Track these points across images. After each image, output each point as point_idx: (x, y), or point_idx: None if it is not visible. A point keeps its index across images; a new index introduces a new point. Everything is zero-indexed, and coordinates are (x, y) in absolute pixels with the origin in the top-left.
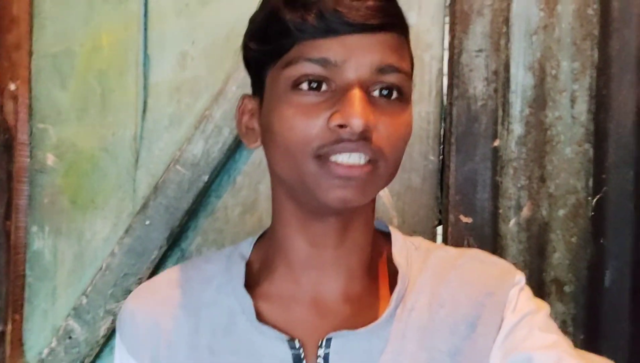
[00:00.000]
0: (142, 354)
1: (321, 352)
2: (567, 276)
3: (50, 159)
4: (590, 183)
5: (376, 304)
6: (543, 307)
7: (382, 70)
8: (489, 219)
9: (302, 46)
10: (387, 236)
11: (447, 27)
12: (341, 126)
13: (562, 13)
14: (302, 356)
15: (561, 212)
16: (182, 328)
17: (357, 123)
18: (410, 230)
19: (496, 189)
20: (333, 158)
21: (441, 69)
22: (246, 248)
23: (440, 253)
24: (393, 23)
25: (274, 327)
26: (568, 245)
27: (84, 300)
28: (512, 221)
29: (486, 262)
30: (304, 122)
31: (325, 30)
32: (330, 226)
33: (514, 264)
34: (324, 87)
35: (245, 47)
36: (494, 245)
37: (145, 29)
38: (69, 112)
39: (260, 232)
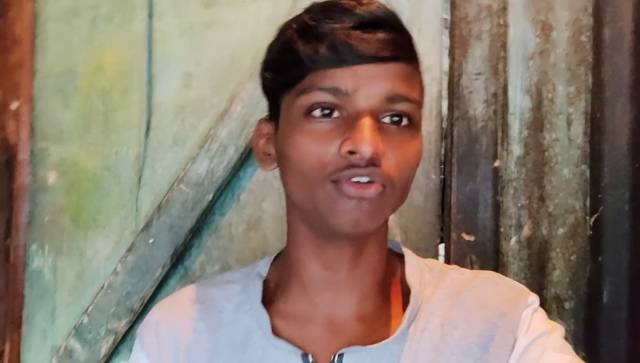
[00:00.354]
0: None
1: None
2: (567, 293)
3: (51, 178)
4: (588, 202)
5: (389, 323)
6: (557, 328)
7: (391, 99)
8: (491, 238)
9: (314, 76)
10: (401, 257)
11: (445, 50)
12: (351, 153)
13: (557, 39)
14: None
15: (560, 231)
16: (201, 344)
17: (366, 150)
18: (413, 247)
19: (497, 209)
20: (347, 182)
21: (441, 91)
22: (263, 267)
23: (454, 275)
24: (403, 54)
25: (289, 342)
26: (568, 263)
27: (85, 319)
28: (513, 240)
29: (500, 284)
30: (317, 149)
31: (337, 61)
32: (344, 251)
33: (516, 281)
34: (335, 114)
35: (262, 75)
36: (496, 262)
37: (150, 49)
38: (71, 131)
39: (274, 252)
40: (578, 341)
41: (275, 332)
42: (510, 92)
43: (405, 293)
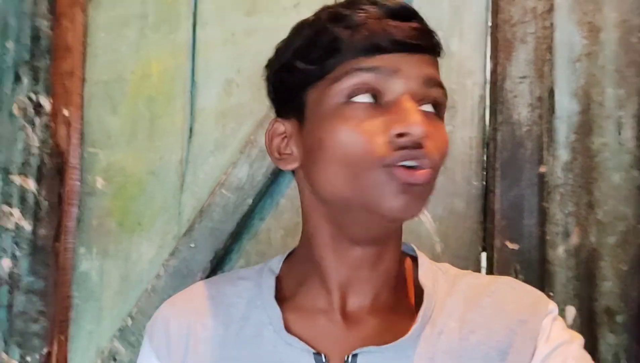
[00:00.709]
0: (172, 361)
1: None
2: (618, 306)
3: (99, 183)
4: None
5: (403, 322)
6: (577, 338)
7: (427, 83)
8: (536, 246)
9: (353, 62)
10: (414, 260)
11: (488, 53)
12: (401, 135)
13: (606, 41)
14: None
15: (611, 239)
16: (211, 339)
17: (417, 130)
18: (453, 256)
19: (543, 216)
20: (398, 166)
21: (483, 95)
22: (276, 264)
23: (470, 279)
24: (432, 45)
25: (301, 339)
26: (618, 273)
27: (129, 322)
28: (561, 248)
29: (519, 290)
30: (363, 135)
31: (374, 48)
32: (368, 253)
33: (564, 292)
34: (376, 100)
35: (277, 74)
36: (542, 272)
37: (193, 58)
38: (119, 137)
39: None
40: (631, 356)
41: (288, 328)
42: (557, 96)
43: (418, 294)
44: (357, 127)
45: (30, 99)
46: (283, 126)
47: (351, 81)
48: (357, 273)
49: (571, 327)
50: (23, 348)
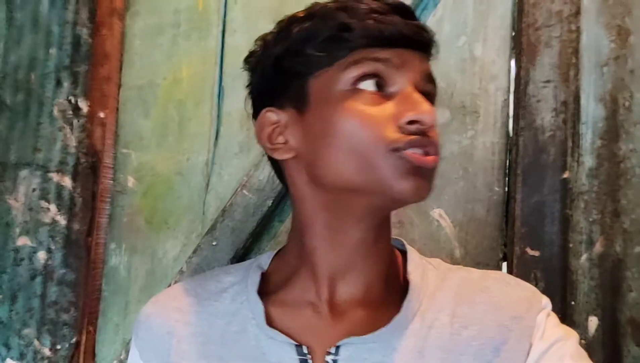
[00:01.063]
0: (153, 360)
1: (330, 358)
2: None
3: (130, 182)
4: None
5: (390, 315)
6: (572, 334)
7: (426, 78)
8: (558, 254)
9: (361, 52)
10: (405, 255)
11: (512, 58)
12: (411, 123)
13: (635, 44)
14: (309, 362)
15: (637, 249)
16: (194, 337)
17: (429, 118)
18: (473, 262)
19: (566, 223)
20: (408, 151)
21: (507, 100)
22: (265, 260)
23: (462, 274)
24: (431, 44)
25: (284, 332)
26: None
27: None
28: (584, 257)
29: (512, 285)
30: (374, 121)
31: (386, 41)
32: (365, 238)
33: (586, 302)
34: (379, 89)
35: (289, 55)
36: (564, 280)
37: (222, 64)
38: (150, 138)
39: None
40: None
41: (271, 322)
42: (583, 101)
43: (407, 288)
44: (365, 114)
45: (69, 102)
46: (276, 116)
47: (361, 70)
48: (350, 261)
49: (594, 338)
50: (54, 337)
